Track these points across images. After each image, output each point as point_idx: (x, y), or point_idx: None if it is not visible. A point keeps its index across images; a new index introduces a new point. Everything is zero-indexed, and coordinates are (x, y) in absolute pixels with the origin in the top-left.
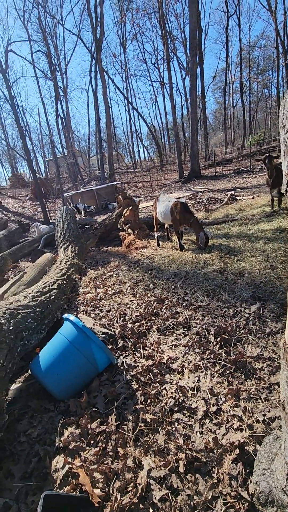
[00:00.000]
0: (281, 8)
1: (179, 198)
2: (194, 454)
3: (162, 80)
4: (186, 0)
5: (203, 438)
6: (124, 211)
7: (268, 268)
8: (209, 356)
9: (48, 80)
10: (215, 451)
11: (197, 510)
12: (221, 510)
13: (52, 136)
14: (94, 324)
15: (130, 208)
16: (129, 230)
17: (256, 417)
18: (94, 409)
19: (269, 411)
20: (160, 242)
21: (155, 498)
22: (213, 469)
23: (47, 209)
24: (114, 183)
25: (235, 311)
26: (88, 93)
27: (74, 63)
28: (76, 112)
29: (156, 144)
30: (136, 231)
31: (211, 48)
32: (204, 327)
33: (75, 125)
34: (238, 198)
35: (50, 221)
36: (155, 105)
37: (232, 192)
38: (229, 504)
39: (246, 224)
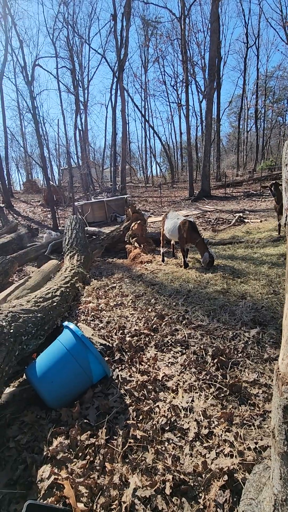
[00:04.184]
0: None
1: (187, 216)
2: (182, 476)
3: (179, 102)
4: (208, 29)
5: (192, 461)
6: (132, 225)
7: (270, 293)
8: (205, 377)
9: (70, 94)
10: (203, 475)
11: None
12: None
13: (69, 147)
14: (92, 335)
15: (138, 222)
16: (136, 244)
17: (248, 444)
18: (85, 420)
19: (261, 439)
20: (165, 258)
21: None
22: (200, 494)
23: (57, 216)
24: (125, 196)
25: (234, 333)
26: (107, 109)
27: (96, 80)
28: (94, 126)
29: (169, 162)
30: (142, 245)
31: (229, 75)
32: (202, 347)
33: (92, 137)
34: (246, 220)
35: (59, 228)
36: (171, 124)
37: (241, 214)
38: None
39: (252, 247)
